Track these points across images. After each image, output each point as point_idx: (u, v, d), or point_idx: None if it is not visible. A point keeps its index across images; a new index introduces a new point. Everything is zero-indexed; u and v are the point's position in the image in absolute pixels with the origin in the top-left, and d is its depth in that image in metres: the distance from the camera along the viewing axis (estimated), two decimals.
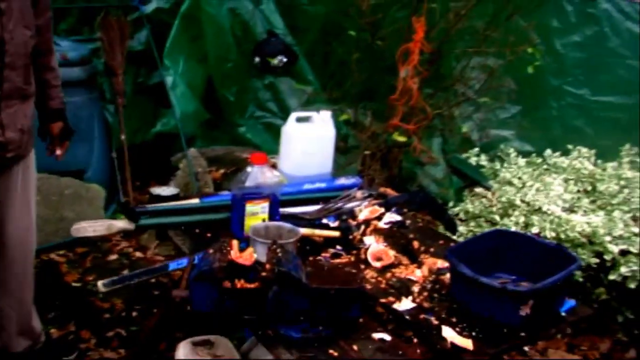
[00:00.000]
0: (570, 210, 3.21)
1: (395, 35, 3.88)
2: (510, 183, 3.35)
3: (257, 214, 2.31)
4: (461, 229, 3.23)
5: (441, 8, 3.84)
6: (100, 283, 2.00)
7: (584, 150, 3.65)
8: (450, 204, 3.54)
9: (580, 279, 3.05)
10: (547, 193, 3.15)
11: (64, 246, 3.55)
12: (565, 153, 3.73)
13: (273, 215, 2.35)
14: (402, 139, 3.61)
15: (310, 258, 2.19)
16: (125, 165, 4.03)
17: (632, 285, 2.97)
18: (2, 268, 2.31)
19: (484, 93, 3.87)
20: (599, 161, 3.63)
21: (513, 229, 3.02)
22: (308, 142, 2.87)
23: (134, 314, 3.06)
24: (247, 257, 1.72)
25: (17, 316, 2.42)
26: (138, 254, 3.67)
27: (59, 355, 2.63)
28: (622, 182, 3.42)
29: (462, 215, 3.40)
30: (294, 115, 2.90)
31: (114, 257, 3.63)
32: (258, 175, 2.28)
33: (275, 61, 4.41)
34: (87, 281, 3.31)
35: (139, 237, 3.74)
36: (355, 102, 4.20)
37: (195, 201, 2.61)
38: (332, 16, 4.43)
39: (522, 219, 3.10)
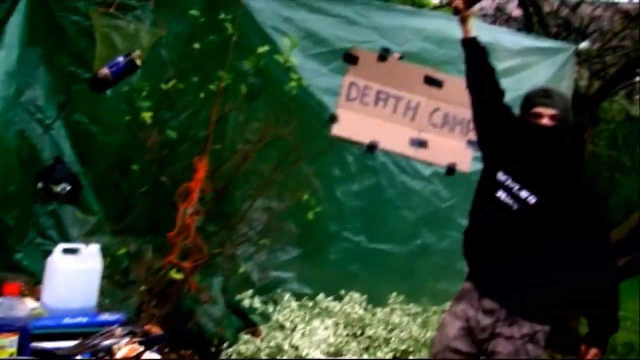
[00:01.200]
0: (337, 354, 3.65)
1: (183, 172, 4.27)
2: (282, 327, 3.78)
3: (4, 348, 2.47)
4: None
5: (229, 149, 4.32)
6: None
7: (356, 295, 4.20)
8: (226, 345, 3.86)
9: None
10: (311, 338, 3.58)
11: None
12: (340, 298, 4.24)
13: (22, 350, 2.51)
14: (179, 276, 3.94)
15: None
16: None
17: None
18: None
19: (265, 235, 4.33)
20: (370, 306, 4.16)
21: None
22: (73, 275, 3.10)
23: None
24: None
25: None
26: None
27: None
28: (390, 327, 3.96)
29: (235, 357, 3.72)
30: (60, 247, 3.14)
31: None
32: (9, 306, 2.46)
33: (58, 189, 4.61)
34: None
35: None
36: (138, 235, 4.49)
37: None
38: (125, 148, 4.74)
39: None
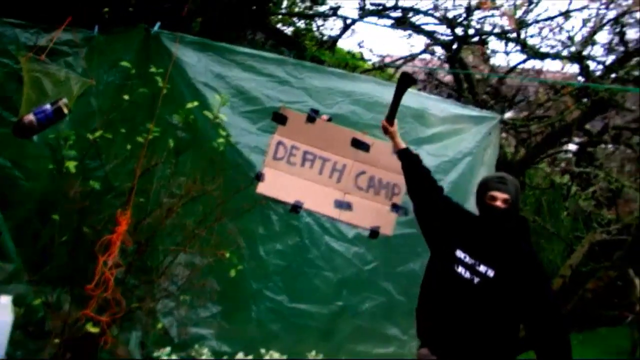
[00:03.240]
0: None
1: (105, 224, 4.39)
2: None
3: None
4: None
5: (154, 202, 4.47)
6: None
7: (276, 355, 4.35)
8: None
9: None
10: None
11: None
12: (260, 357, 4.39)
13: None
14: (94, 330, 4.03)
15: None
16: None
17: None
18: None
19: (186, 290, 4.46)
20: None
21: None
22: None
23: None
24: None
25: None
26: None
27: None
28: None
29: None
30: None
31: None
32: None
33: None
34: None
35: None
36: (56, 285, 4.56)
37: None
38: (47, 195, 4.83)
39: None
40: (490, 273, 3.53)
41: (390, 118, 4.28)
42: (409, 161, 4.18)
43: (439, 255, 3.85)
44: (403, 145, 4.25)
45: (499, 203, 3.60)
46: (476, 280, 3.54)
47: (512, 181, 3.72)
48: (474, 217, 3.82)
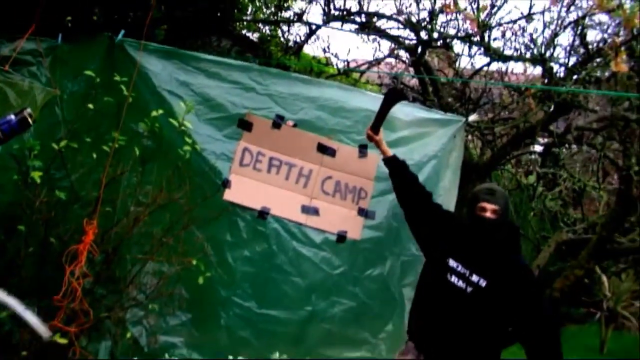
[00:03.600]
0: None
1: (72, 234, 4.41)
2: None
3: None
4: None
5: (121, 211, 4.50)
6: None
7: None
8: None
9: None
10: None
11: None
12: None
13: None
14: (62, 341, 4.05)
15: None
16: None
17: None
18: None
19: (155, 299, 4.50)
20: None
21: None
22: None
23: None
24: None
25: None
26: None
27: None
28: None
29: None
30: None
31: None
32: None
33: None
34: None
35: None
36: (23, 297, 4.55)
37: None
38: (12, 207, 4.81)
39: None
40: (483, 283, 3.69)
41: (375, 127, 4.52)
42: (397, 169, 4.32)
43: (432, 262, 3.99)
44: (390, 152, 4.40)
45: (488, 214, 3.73)
46: (469, 289, 3.68)
47: (501, 192, 3.85)
48: (465, 225, 3.93)
